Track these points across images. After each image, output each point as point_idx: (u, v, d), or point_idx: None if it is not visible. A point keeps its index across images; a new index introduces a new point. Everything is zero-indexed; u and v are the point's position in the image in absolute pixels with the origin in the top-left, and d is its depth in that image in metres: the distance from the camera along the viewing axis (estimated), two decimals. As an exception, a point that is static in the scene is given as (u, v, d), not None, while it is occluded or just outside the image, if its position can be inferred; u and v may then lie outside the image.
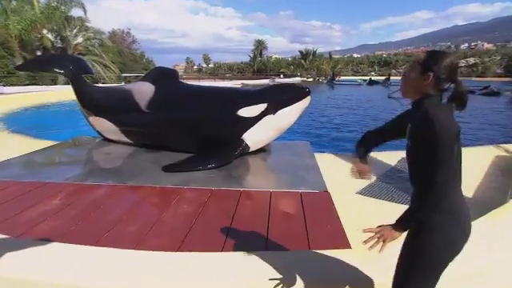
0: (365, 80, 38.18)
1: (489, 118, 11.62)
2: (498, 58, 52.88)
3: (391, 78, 38.33)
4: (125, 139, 4.97)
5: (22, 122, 9.41)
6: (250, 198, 3.00)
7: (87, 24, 24.67)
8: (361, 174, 1.44)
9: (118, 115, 4.91)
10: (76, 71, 5.27)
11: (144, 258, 2.02)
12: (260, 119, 3.97)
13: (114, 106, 5.01)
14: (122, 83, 22.49)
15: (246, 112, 4.01)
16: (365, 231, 1.31)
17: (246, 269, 1.86)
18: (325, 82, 38.97)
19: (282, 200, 2.92)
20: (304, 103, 4.03)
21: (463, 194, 1.25)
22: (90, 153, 4.95)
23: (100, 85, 14.01)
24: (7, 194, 3.08)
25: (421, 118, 1.17)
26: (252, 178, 3.62)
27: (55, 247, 2.12)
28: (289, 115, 4.03)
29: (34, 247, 2.09)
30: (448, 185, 1.14)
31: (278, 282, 1.72)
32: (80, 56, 17.80)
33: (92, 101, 5.21)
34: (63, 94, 17.21)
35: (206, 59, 76.08)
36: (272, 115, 3.95)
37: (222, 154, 4.03)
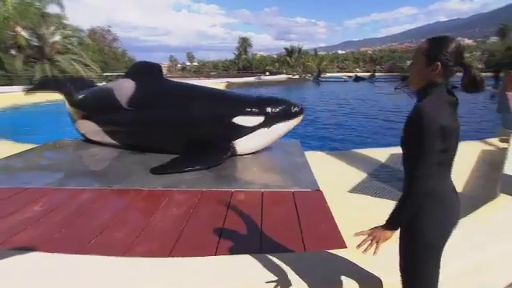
0: (350, 76, 38.63)
1: (472, 113, 11.93)
2: (479, 53, 54.56)
3: (376, 74, 38.93)
4: (110, 141, 4.80)
5: (-2, 124, 9.02)
6: (242, 199, 2.94)
7: (65, 21, 23.77)
8: None
9: (102, 115, 4.76)
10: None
11: (134, 264, 1.92)
12: (255, 130, 4.09)
13: (98, 106, 4.87)
14: (104, 82, 21.90)
15: (243, 121, 4.08)
16: (357, 235, 1.31)
17: (241, 272, 1.80)
18: (311, 79, 39.18)
19: (275, 200, 2.88)
20: (297, 121, 4.28)
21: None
22: (72, 156, 4.76)
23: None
24: (-17, 202, 2.91)
25: (413, 110, 1.17)
26: (243, 178, 3.56)
27: (37, 257, 2.00)
28: (281, 130, 4.23)
29: (13, 257, 1.97)
30: (430, 179, 1.15)
31: (276, 284, 1.68)
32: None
33: (78, 101, 5.06)
34: (43, 94, 16.63)
35: (190, 57, 75.22)
36: (267, 128, 4.10)
37: (210, 156, 3.98)
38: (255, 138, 4.12)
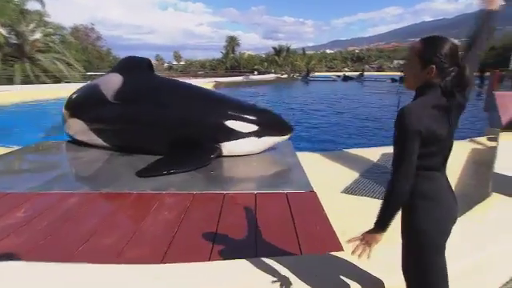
0: (339, 76, 38.96)
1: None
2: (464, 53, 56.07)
3: (365, 73, 39.37)
4: (97, 140, 4.64)
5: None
6: (235, 201, 2.89)
7: (46, 19, 23.01)
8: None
9: (88, 112, 4.64)
10: None
11: (124, 271, 1.85)
12: (245, 137, 4.12)
13: (84, 103, 4.78)
14: (88, 82, 21.36)
15: (236, 125, 4.10)
16: (349, 242, 1.35)
17: (237, 278, 1.76)
18: (299, 78, 39.35)
19: (268, 202, 2.84)
20: (286, 137, 4.43)
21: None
22: (56, 158, 4.59)
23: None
24: (-38, 208, 2.76)
25: (398, 112, 1.18)
26: (234, 180, 3.51)
27: (21, 266, 1.90)
28: (269, 142, 4.32)
29: (-5, 268, 1.86)
30: (408, 181, 1.17)
31: (273, 290, 1.64)
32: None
33: (67, 100, 4.96)
34: (25, 93, 16.13)
35: (177, 56, 74.47)
36: (256, 138, 4.15)
37: (197, 156, 3.94)
38: (243, 145, 4.16)
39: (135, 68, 4.74)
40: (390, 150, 4.59)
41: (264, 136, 4.19)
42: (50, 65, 21.76)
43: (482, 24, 1.36)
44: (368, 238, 1.29)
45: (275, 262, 1.86)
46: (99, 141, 4.61)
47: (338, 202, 2.77)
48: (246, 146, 4.18)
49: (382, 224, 1.26)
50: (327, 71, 51.73)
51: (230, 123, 4.10)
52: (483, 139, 4.98)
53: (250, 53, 62.40)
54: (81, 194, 3.10)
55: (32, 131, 7.12)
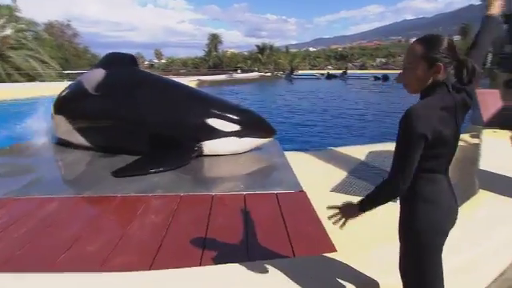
0: (323, 74, 39.34)
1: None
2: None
3: (348, 71, 39.92)
4: (80, 139, 4.51)
5: None
6: (223, 203, 2.83)
7: (17, 14, 21.99)
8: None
9: (71, 110, 4.55)
10: None
11: (111, 280, 1.76)
12: (227, 136, 4.06)
13: (67, 100, 4.68)
14: (65, 81, 20.62)
15: (218, 124, 4.04)
16: (328, 208, 1.42)
17: (230, 283, 1.71)
18: (283, 76, 39.48)
19: (258, 203, 2.80)
20: (268, 141, 4.37)
21: None
22: (33, 161, 4.35)
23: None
24: None
25: (404, 112, 1.17)
26: (223, 181, 3.45)
27: (-2, 278, 1.78)
28: (250, 144, 4.26)
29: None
30: (406, 182, 1.18)
31: (267, 294, 1.60)
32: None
33: (56, 99, 4.86)
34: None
35: (158, 54, 73.04)
36: (238, 138, 4.10)
37: (177, 156, 3.86)
38: (224, 144, 4.10)
39: (118, 64, 4.63)
40: (376, 147, 4.65)
41: (245, 136, 4.14)
42: (22, 62, 20.76)
43: (484, 26, 1.40)
44: (346, 210, 1.35)
45: (269, 265, 1.82)
46: (82, 140, 4.48)
47: (327, 201, 2.74)
48: (226, 146, 4.12)
49: (364, 207, 1.30)
50: (311, 69, 52.17)
51: (212, 121, 4.03)
52: (466, 136, 5.10)
53: (232, 51, 62.08)
54: (61, 198, 2.96)
55: (4, 133, 6.74)
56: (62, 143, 4.76)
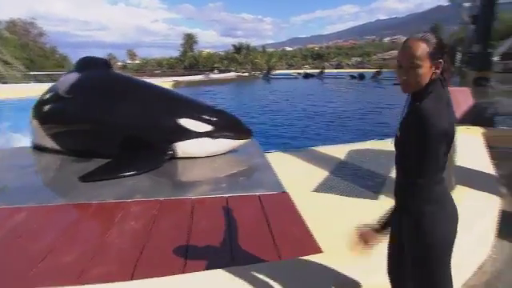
0: (300, 73, 39.66)
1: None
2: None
3: (325, 70, 40.48)
4: (54, 144, 4.35)
5: None
6: (205, 207, 2.78)
7: (-25, 11, 20.71)
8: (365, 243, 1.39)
9: (45, 115, 4.41)
10: None
11: (89, 293, 1.68)
12: (199, 137, 3.98)
13: (41, 105, 4.54)
14: (31, 83, 19.56)
15: (190, 124, 3.96)
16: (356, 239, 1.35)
17: (215, 290, 1.68)
18: (260, 76, 39.51)
19: (241, 205, 2.77)
20: (243, 142, 4.26)
21: None
22: (0, 169, 4.10)
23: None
24: None
25: (416, 112, 1.15)
26: (203, 184, 3.38)
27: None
28: (224, 146, 4.16)
29: None
30: (432, 180, 1.17)
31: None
32: None
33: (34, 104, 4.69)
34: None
35: (131, 55, 70.92)
36: (211, 139, 4.02)
37: (149, 158, 3.79)
38: (198, 145, 4.02)
39: (91, 67, 4.57)
40: (356, 146, 4.70)
41: (220, 137, 4.05)
42: (-19, 62, 19.49)
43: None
44: (367, 237, 1.32)
45: (254, 269, 1.80)
46: (55, 145, 4.33)
47: (310, 202, 2.78)
48: (200, 147, 4.04)
49: (389, 225, 1.30)
50: (288, 69, 52.50)
51: (183, 121, 3.95)
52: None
53: (208, 51, 61.44)
54: (31, 207, 2.79)
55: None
56: (39, 148, 4.56)
